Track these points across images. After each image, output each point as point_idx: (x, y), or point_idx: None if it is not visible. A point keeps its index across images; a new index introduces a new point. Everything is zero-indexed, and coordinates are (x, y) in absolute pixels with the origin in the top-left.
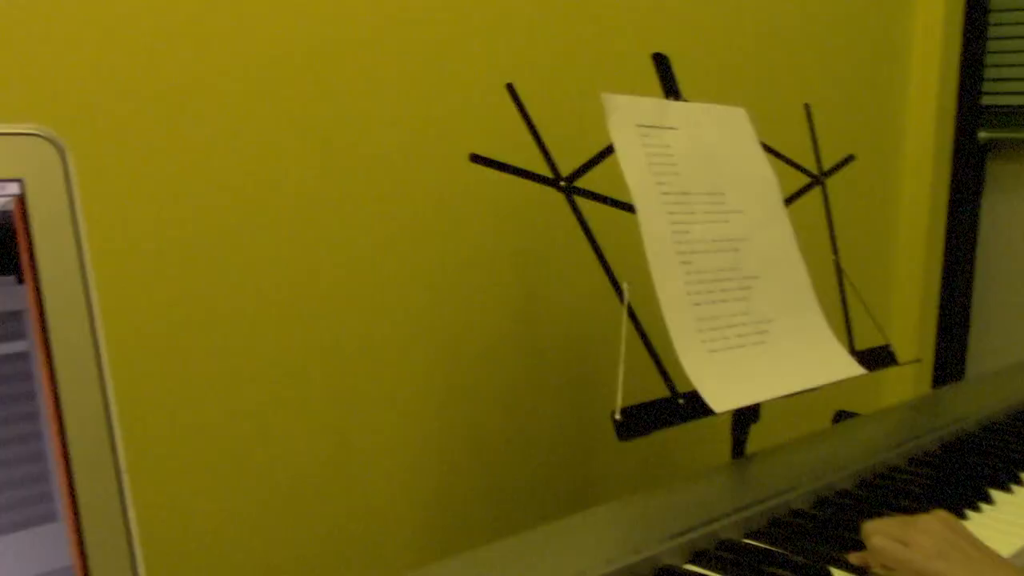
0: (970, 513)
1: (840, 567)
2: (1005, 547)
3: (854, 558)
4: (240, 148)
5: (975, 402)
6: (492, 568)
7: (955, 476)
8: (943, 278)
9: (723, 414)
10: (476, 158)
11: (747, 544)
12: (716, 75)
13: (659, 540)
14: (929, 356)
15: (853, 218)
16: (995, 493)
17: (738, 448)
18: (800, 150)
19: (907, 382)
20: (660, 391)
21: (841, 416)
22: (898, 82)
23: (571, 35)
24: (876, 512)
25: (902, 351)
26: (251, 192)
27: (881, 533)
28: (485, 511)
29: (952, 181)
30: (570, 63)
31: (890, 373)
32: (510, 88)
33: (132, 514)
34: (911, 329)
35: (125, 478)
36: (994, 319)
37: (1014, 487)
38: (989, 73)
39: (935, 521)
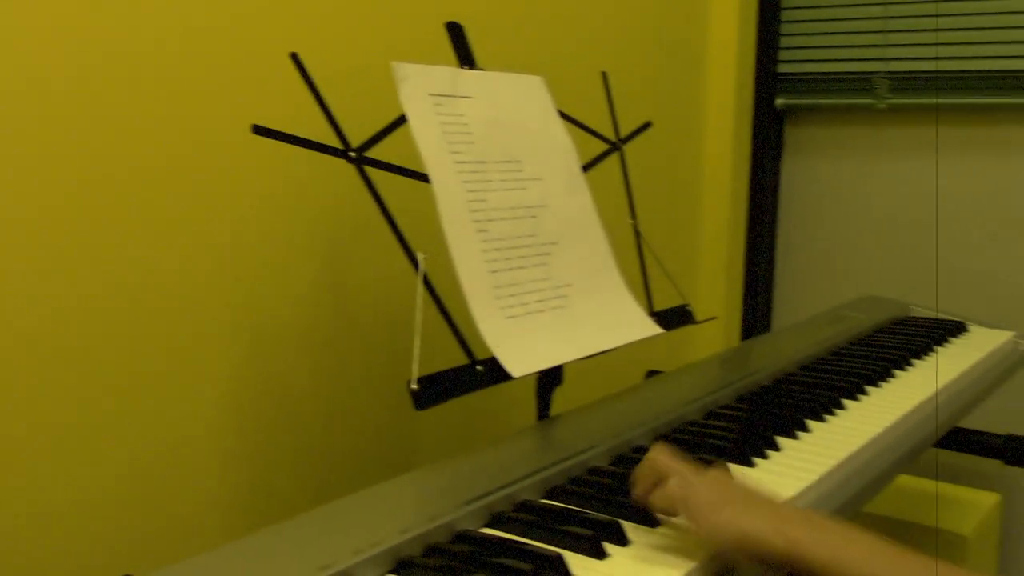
0: (759, 461)
1: (632, 520)
2: (790, 489)
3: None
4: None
5: (770, 356)
6: (281, 545)
7: (747, 427)
8: (748, 238)
9: (525, 378)
10: (259, 129)
11: (545, 504)
12: (513, 44)
13: (456, 506)
14: (737, 312)
15: (660, 183)
16: (782, 440)
17: (543, 411)
18: (602, 117)
19: (718, 338)
20: (464, 359)
21: (651, 375)
22: (698, 52)
23: (362, 3)
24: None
25: (711, 309)
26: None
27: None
28: (297, 483)
29: (753, 145)
30: (362, 33)
31: (702, 331)
32: (294, 57)
33: None
34: (719, 287)
35: None
36: (796, 274)
37: (800, 433)
38: (784, 42)
39: (711, 474)
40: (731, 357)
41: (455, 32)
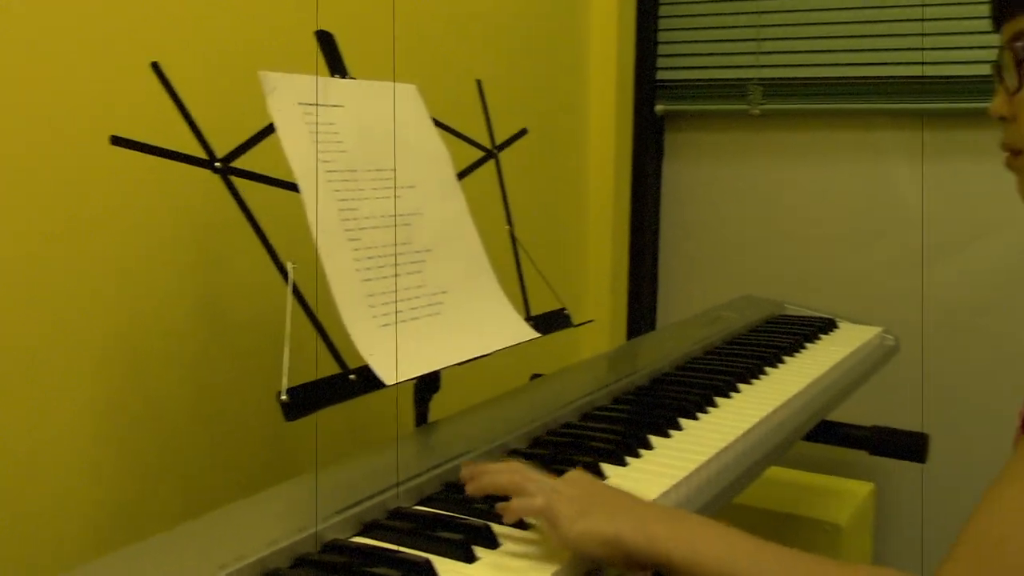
0: (632, 460)
1: (502, 524)
2: (660, 486)
3: (501, 507)
4: None
5: (648, 357)
6: (144, 562)
7: (622, 427)
8: (631, 241)
9: (399, 386)
10: (118, 140)
11: (418, 511)
12: (388, 53)
13: (327, 516)
14: (623, 314)
15: (545, 189)
16: (655, 439)
17: (421, 417)
18: (496, 124)
19: (604, 340)
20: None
21: (535, 379)
22: (578, 60)
23: (229, 13)
24: (550, 470)
25: (598, 312)
26: None
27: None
28: (169, 495)
29: (634, 151)
30: (230, 43)
31: (590, 333)
32: (155, 67)
33: None
34: (605, 290)
35: None
36: (679, 275)
37: (673, 432)
38: (663, 50)
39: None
40: (609, 359)
41: (325, 41)
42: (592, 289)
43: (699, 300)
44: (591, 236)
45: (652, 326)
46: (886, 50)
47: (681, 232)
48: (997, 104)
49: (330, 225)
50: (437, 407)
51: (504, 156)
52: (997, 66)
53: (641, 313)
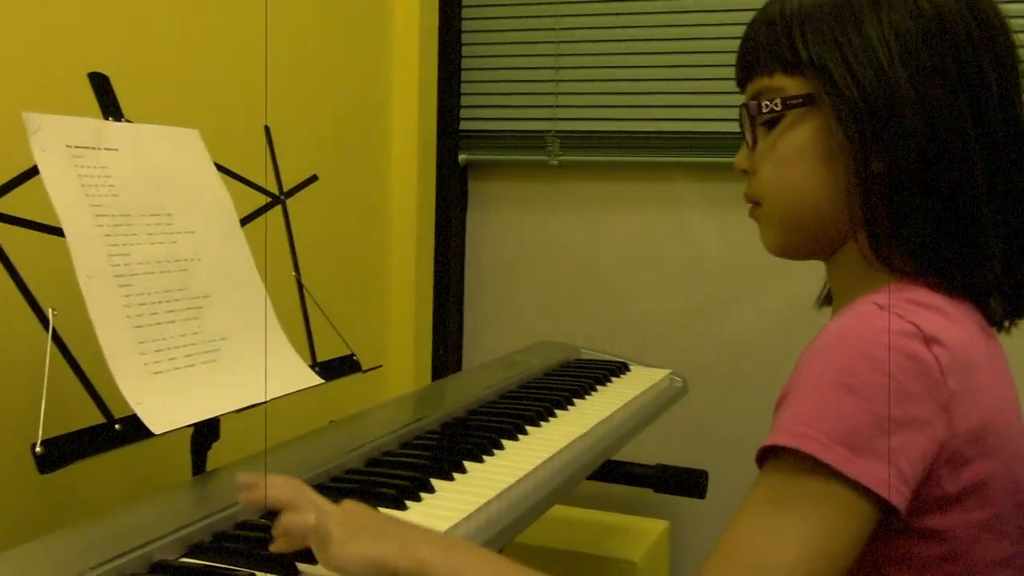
0: (412, 504)
1: (271, 573)
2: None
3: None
4: None
5: (440, 402)
6: None
7: (407, 472)
8: (436, 287)
9: (171, 434)
10: None
11: (183, 563)
12: (171, 96)
13: (83, 571)
14: (427, 360)
15: (348, 237)
16: (438, 483)
17: (199, 466)
18: (295, 170)
19: (410, 386)
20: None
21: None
22: (381, 110)
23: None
24: None
25: (401, 358)
26: None
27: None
28: None
29: (438, 199)
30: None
31: (396, 379)
32: None
33: None
34: (408, 337)
35: None
36: (485, 321)
37: (456, 475)
38: (466, 100)
39: (343, 507)
40: (403, 404)
41: (99, 83)
42: (395, 335)
43: (505, 345)
44: (394, 283)
45: (458, 371)
46: (682, 106)
47: (486, 279)
48: (740, 158)
49: (99, 270)
50: (233, 455)
51: (303, 204)
52: (741, 123)
53: (447, 358)
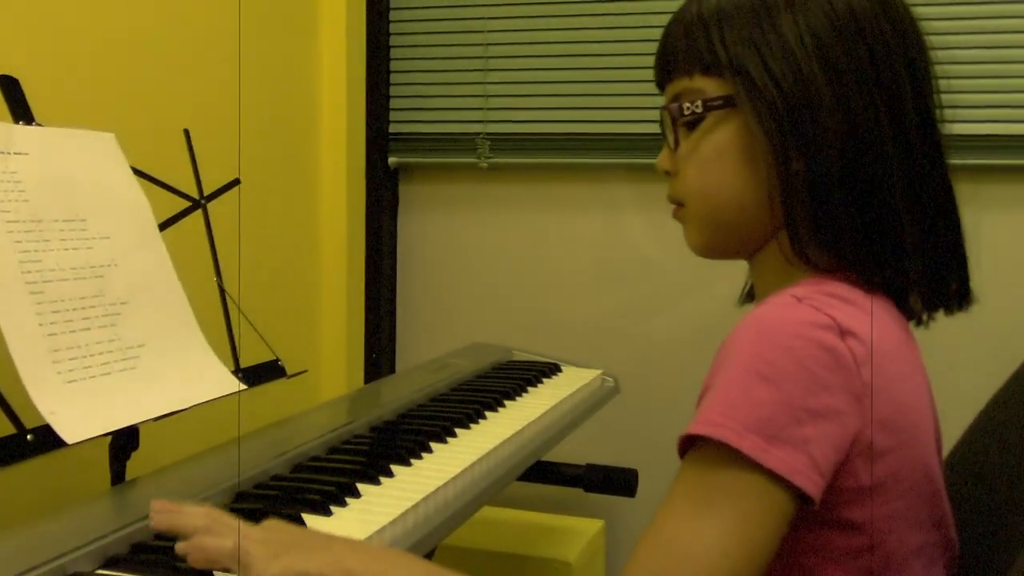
0: (337, 509)
1: None
2: (362, 534)
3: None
4: None
5: (370, 406)
6: None
7: (332, 477)
8: (367, 291)
9: (86, 445)
10: None
11: (100, 575)
12: (87, 99)
13: None
14: (360, 364)
15: (276, 241)
16: (364, 487)
17: (118, 476)
18: (219, 175)
19: (343, 390)
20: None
21: None
22: (309, 114)
23: None
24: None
25: (334, 363)
26: None
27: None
28: None
29: (368, 203)
30: None
31: (328, 383)
32: None
33: None
34: (340, 341)
35: None
36: (418, 324)
37: (384, 479)
38: (395, 103)
39: (262, 526)
40: (332, 408)
41: (8, 86)
42: (327, 339)
43: (439, 347)
44: (325, 287)
45: (393, 370)
46: (610, 108)
47: (418, 282)
48: (662, 160)
49: (8, 278)
50: (153, 464)
51: (229, 208)
52: (662, 124)
53: (380, 362)
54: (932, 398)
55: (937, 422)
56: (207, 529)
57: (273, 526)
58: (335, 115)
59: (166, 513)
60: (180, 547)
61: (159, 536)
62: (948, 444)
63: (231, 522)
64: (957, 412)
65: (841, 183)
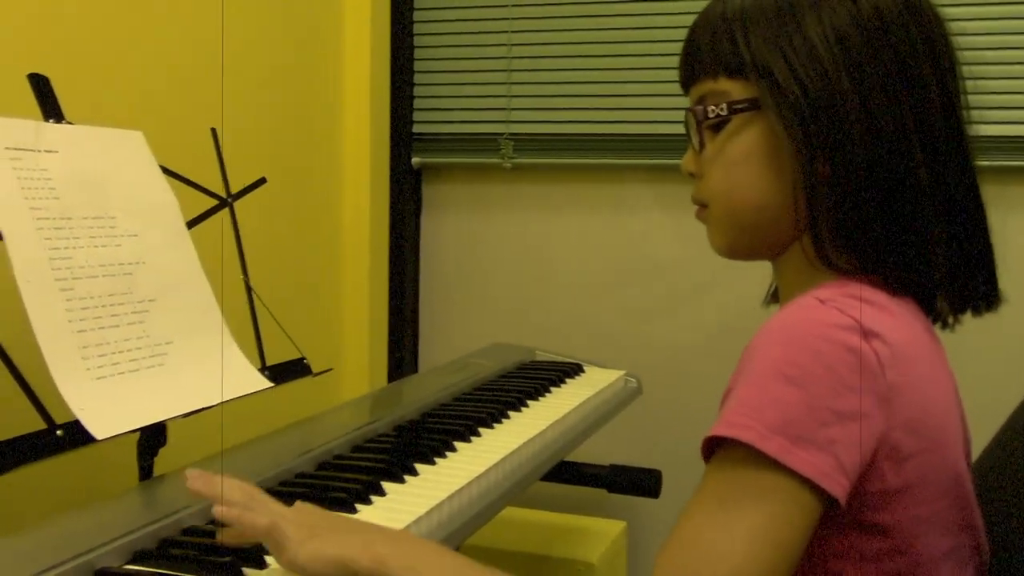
0: (362, 507)
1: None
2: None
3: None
4: None
5: (394, 405)
6: None
7: (357, 475)
8: (391, 290)
9: (116, 439)
10: None
11: (127, 570)
12: (115, 99)
13: None
14: (383, 363)
15: (301, 240)
16: (388, 485)
17: (146, 472)
18: (246, 174)
19: (365, 389)
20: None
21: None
22: (333, 113)
23: None
24: None
25: (358, 361)
26: None
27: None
28: None
29: (391, 202)
30: None
31: (352, 381)
32: None
33: None
34: (363, 340)
35: None
36: (441, 324)
37: (408, 477)
38: (418, 103)
39: (296, 509)
40: (355, 407)
41: (39, 84)
42: (351, 338)
43: (461, 347)
44: (349, 287)
45: (415, 368)
46: (633, 109)
47: (442, 282)
48: (687, 161)
49: (39, 275)
50: (181, 461)
51: (254, 207)
52: (687, 126)
53: (402, 361)
54: (959, 401)
55: (966, 425)
56: (244, 504)
57: (305, 508)
58: (359, 115)
59: (203, 479)
60: (217, 511)
61: (187, 531)
62: (978, 448)
63: (267, 500)
64: (987, 416)
65: (866, 185)
